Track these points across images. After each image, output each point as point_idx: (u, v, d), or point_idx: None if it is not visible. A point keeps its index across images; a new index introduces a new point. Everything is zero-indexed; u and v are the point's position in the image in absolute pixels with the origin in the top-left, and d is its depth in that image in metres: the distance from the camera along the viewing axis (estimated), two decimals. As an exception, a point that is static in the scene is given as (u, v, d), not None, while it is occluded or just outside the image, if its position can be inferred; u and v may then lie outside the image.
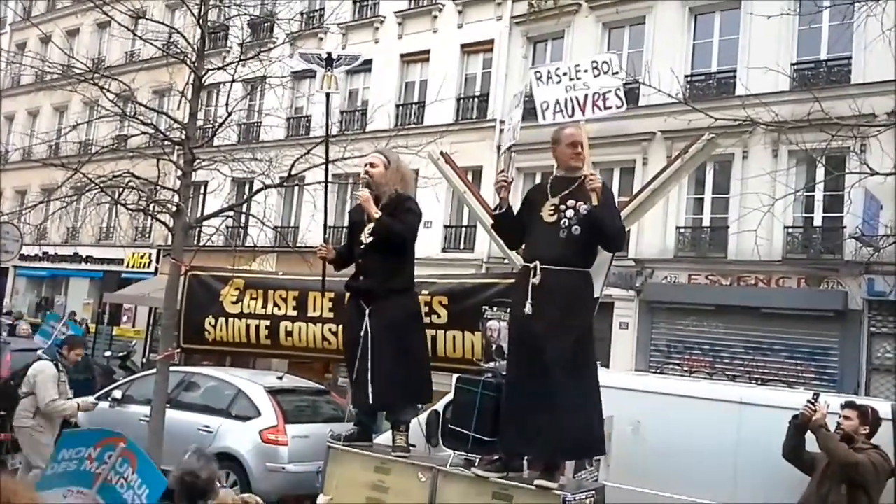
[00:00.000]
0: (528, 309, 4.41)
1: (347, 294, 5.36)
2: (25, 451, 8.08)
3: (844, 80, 15.81)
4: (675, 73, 12.47)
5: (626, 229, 6.12)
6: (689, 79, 17.62)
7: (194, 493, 3.69)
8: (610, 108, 4.60)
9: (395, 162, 5.30)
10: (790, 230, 16.28)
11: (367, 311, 5.03)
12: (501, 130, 19.97)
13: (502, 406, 4.55)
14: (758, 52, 16.18)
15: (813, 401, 5.78)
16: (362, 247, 5.16)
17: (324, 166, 8.52)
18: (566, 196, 4.52)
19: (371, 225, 5.12)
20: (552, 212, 4.56)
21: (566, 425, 4.33)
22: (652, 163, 17.40)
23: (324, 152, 8.56)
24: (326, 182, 6.04)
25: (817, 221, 16.29)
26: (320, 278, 6.49)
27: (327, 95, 5.81)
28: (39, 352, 8.31)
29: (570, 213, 4.47)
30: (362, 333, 4.99)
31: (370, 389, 4.96)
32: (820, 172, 13.67)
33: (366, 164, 5.31)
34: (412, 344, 5.15)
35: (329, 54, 5.70)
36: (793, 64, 16.41)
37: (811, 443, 5.83)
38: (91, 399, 7.97)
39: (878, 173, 7.18)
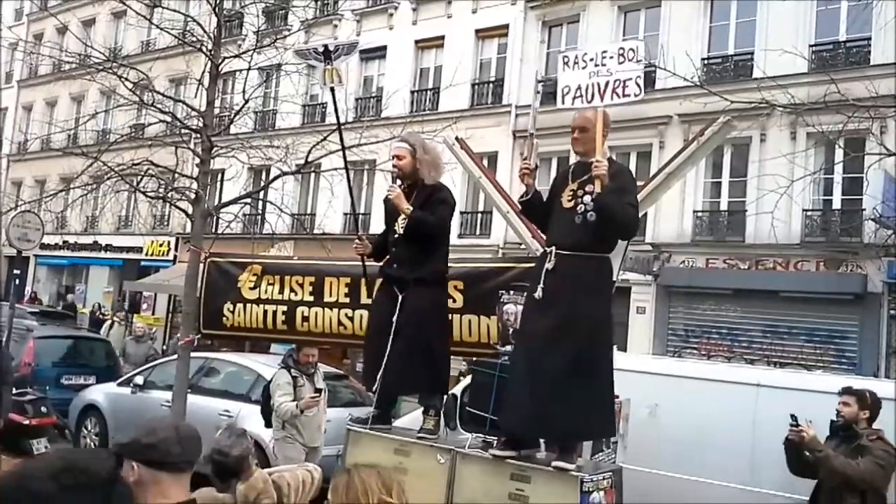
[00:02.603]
0: (538, 293, 4.46)
1: (380, 280, 5.37)
2: (274, 464, 7.66)
3: (863, 62, 15.63)
4: (691, 56, 12.37)
5: (643, 213, 6.14)
6: (705, 62, 17.49)
7: (224, 470, 3.70)
8: (628, 95, 4.62)
9: (420, 147, 5.23)
10: (809, 213, 16.18)
11: (399, 299, 5.04)
12: (518, 115, 19.95)
13: (507, 387, 4.60)
14: (775, 33, 16.04)
15: (795, 424, 5.56)
16: (396, 235, 5.17)
17: (340, 153, 8.60)
18: (584, 181, 4.50)
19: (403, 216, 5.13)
20: (570, 197, 4.57)
21: (577, 408, 4.36)
22: (669, 146, 17.31)
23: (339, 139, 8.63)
24: (348, 173, 6.03)
25: (836, 204, 16.17)
26: (337, 263, 6.59)
27: (332, 90, 5.66)
28: (279, 361, 7.89)
29: (587, 198, 4.46)
30: (394, 319, 5.00)
31: (380, 376, 5.01)
32: (839, 154, 13.56)
33: (393, 157, 5.28)
34: (436, 334, 5.14)
35: (326, 46, 5.52)
36: (811, 45, 16.24)
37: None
38: (306, 397, 7.06)
39: (893, 154, 7.12)
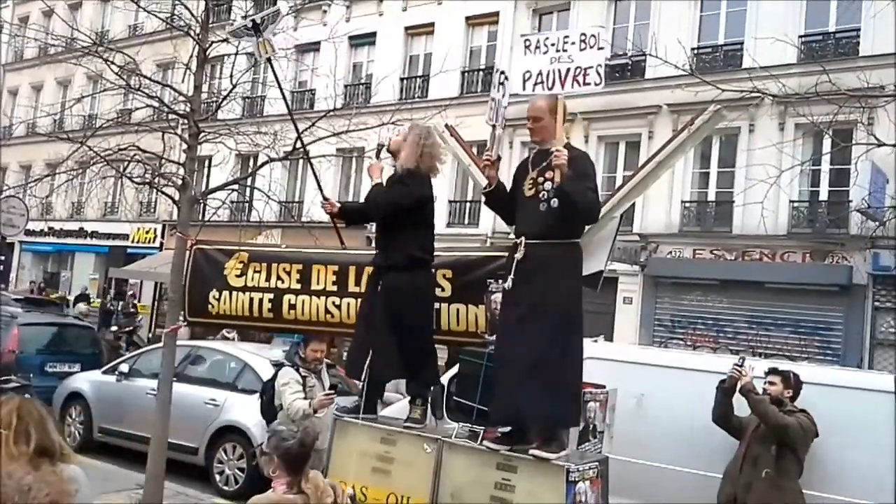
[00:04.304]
0: (508, 283, 4.50)
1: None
2: None
3: (852, 52, 15.68)
4: (682, 44, 12.34)
5: (631, 203, 6.12)
6: (695, 51, 17.48)
7: (302, 460, 3.67)
8: (588, 84, 4.59)
9: (414, 133, 5.21)
10: (795, 204, 16.25)
11: (379, 286, 5.05)
12: (509, 104, 19.88)
13: (494, 378, 4.60)
14: (765, 24, 16.07)
15: (739, 364, 6.13)
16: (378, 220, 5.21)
17: (327, 140, 8.56)
18: (543, 169, 4.52)
19: None
20: (531, 186, 4.60)
21: (542, 395, 4.35)
22: (658, 136, 17.33)
23: (329, 125, 8.58)
24: (306, 151, 6.44)
25: (823, 195, 16.25)
26: (324, 251, 6.54)
27: (268, 60, 5.93)
28: (282, 357, 7.10)
29: (547, 185, 4.47)
30: (375, 308, 5.01)
31: (366, 364, 5.01)
32: (826, 146, 13.60)
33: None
34: (415, 321, 5.08)
35: (253, 21, 5.75)
36: (800, 36, 16.27)
37: (738, 408, 6.17)
38: (320, 395, 6.29)
39: (886, 144, 7.12)
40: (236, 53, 8.79)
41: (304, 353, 6.64)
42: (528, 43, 4.86)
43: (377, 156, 5.29)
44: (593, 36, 4.63)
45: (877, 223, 12.19)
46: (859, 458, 6.01)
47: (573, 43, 4.64)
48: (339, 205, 5.57)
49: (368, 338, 5.05)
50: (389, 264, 5.06)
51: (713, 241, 17.25)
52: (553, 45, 4.71)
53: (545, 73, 4.69)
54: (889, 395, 6.12)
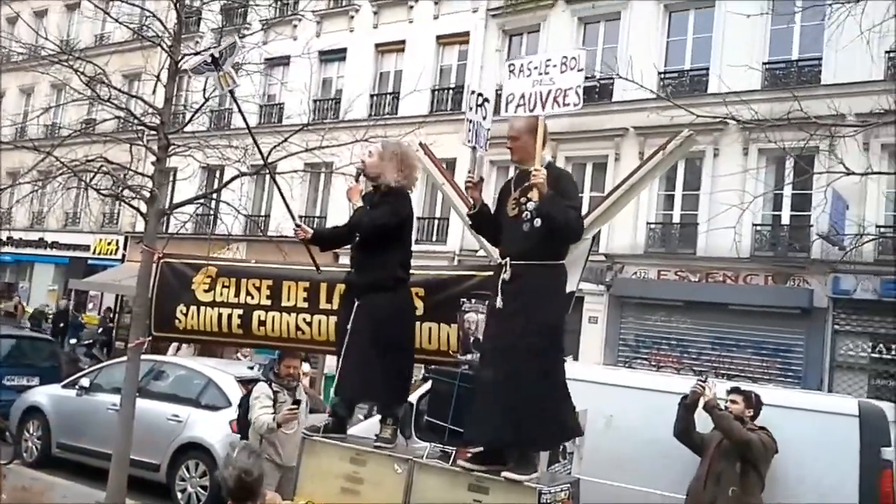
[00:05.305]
0: (498, 303, 4.46)
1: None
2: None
3: (815, 81, 16.02)
4: (655, 66, 12.53)
5: (601, 228, 6.17)
6: (662, 76, 17.75)
7: (247, 491, 3.60)
8: (567, 105, 4.61)
9: (388, 150, 5.20)
10: (758, 228, 16.50)
11: (354, 306, 5.00)
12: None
13: (474, 397, 4.57)
14: (731, 50, 16.35)
15: (703, 381, 6.39)
16: (356, 239, 5.14)
17: (297, 155, 8.54)
18: (525, 189, 4.49)
19: None
20: (514, 206, 4.59)
21: (527, 416, 4.32)
22: (624, 158, 17.53)
23: (300, 140, 8.55)
24: (273, 174, 6.49)
25: (785, 220, 16.52)
26: (295, 267, 6.49)
27: (231, 93, 5.98)
28: (247, 373, 7.11)
29: (529, 205, 4.47)
30: (348, 326, 4.97)
31: (337, 381, 5.00)
32: (789, 171, 13.83)
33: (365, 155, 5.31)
34: (390, 341, 5.01)
35: (212, 55, 5.83)
36: (764, 63, 16.61)
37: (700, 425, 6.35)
38: (284, 409, 6.29)
39: (853, 173, 7.26)
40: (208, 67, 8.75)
41: (278, 368, 6.64)
42: (512, 67, 4.90)
43: (356, 180, 5.24)
44: (574, 58, 4.66)
45: (840, 249, 12.40)
46: (817, 477, 6.15)
47: (555, 65, 4.67)
48: (311, 231, 5.47)
49: (345, 357, 4.99)
50: (371, 284, 4.99)
51: (677, 262, 17.45)
52: (535, 68, 4.74)
53: (527, 95, 4.71)
54: (847, 418, 6.29)
